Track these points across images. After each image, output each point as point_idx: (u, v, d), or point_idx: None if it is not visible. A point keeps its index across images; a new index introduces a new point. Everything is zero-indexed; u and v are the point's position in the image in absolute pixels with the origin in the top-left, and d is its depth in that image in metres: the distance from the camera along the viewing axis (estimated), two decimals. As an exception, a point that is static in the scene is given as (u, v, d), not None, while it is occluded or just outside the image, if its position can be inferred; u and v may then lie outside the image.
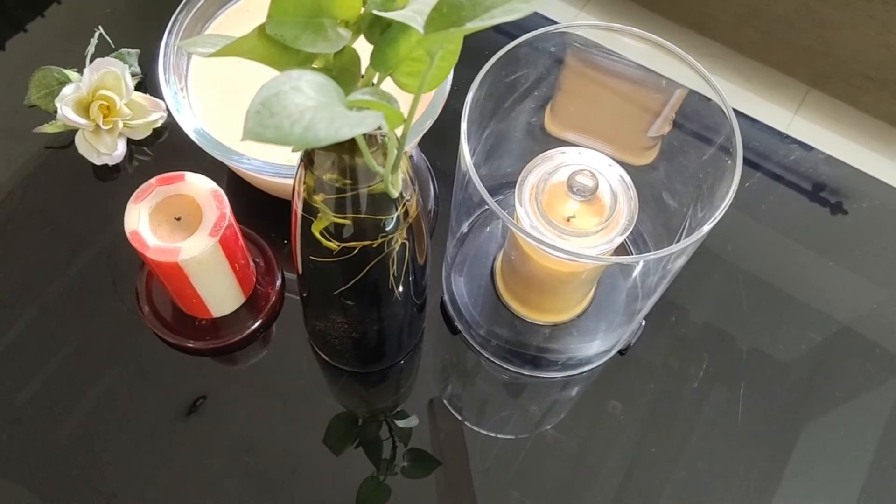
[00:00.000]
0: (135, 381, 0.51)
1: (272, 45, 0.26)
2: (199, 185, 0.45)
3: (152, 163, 0.58)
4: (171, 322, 0.52)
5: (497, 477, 0.49)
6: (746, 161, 0.60)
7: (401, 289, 0.43)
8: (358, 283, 0.41)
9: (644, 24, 1.16)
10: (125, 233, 0.44)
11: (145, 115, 0.57)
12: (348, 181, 0.35)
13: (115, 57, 0.59)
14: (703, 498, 0.49)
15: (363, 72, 0.30)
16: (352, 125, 0.20)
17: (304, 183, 0.36)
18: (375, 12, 0.27)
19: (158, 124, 0.58)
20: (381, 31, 0.28)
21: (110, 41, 0.61)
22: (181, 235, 0.45)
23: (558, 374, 0.51)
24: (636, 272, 0.50)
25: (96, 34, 0.60)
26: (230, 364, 0.52)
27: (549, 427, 0.51)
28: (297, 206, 0.39)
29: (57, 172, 0.58)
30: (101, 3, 0.65)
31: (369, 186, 0.35)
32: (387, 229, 0.37)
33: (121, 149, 0.56)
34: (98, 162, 0.56)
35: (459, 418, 0.51)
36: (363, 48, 0.29)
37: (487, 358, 0.52)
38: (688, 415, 0.51)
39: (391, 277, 0.41)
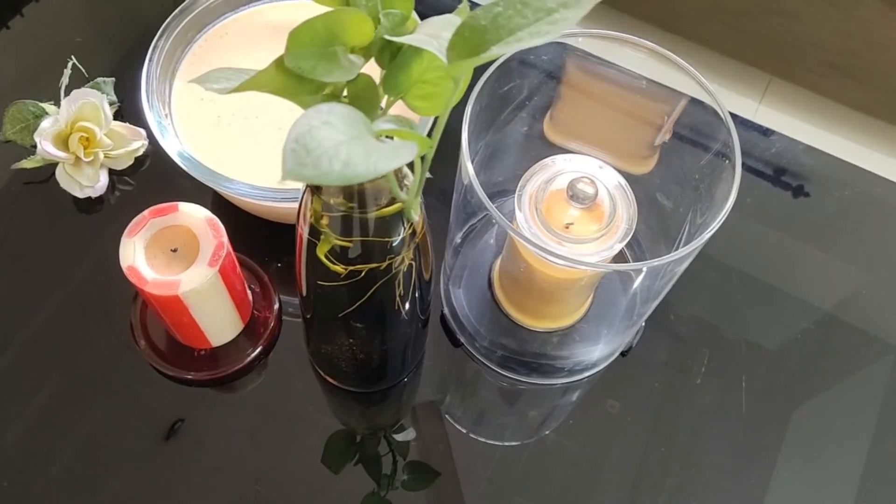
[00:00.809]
0: (133, 416, 0.50)
1: (287, 77, 0.25)
2: (193, 215, 0.45)
3: (136, 192, 0.57)
4: (169, 354, 0.51)
5: (503, 484, 0.49)
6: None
7: (407, 307, 0.42)
8: (364, 305, 0.40)
9: (610, 21, 1.17)
10: (120, 267, 0.43)
11: (126, 145, 0.56)
12: (357, 205, 0.35)
13: (91, 87, 0.57)
14: (716, 490, 0.49)
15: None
16: (389, 158, 0.20)
17: (312, 208, 0.36)
18: (387, 37, 0.27)
19: (140, 152, 0.57)
20: (390, 55, 0.28)
21: (84, 71, 0.60)
22: (179, 267, 0.44)
23: (564, 380, 0.52)
24: (639, 278, 0.50)
25: (69, 64, 0.59)
26: (230, 392, 0.51)
27: (555, 432, 0.51)
28: (303, 231, 0.38)
29: (38, 208, 0.56)
30: (70, 33, 0.64)
31: (378, 209, 0.35)
32: (395, 250, 0.37)
33: (103, 180, 0.55)
34: (81, 195, 0.55)
35: (463, 430, 0.50)
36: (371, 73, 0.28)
37: (492, 368, 0.52)
38: (693, 410, 0.52)
39: (397, 297, 0.41)
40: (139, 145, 0.56)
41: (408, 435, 0.51)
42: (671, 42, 1.14)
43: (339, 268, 0.38)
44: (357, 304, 0.40)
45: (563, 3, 0.22)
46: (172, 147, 0.48)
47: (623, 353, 0.53)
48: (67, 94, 0.58)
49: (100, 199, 0.56)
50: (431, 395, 0.52)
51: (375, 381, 0.50)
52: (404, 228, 0.36)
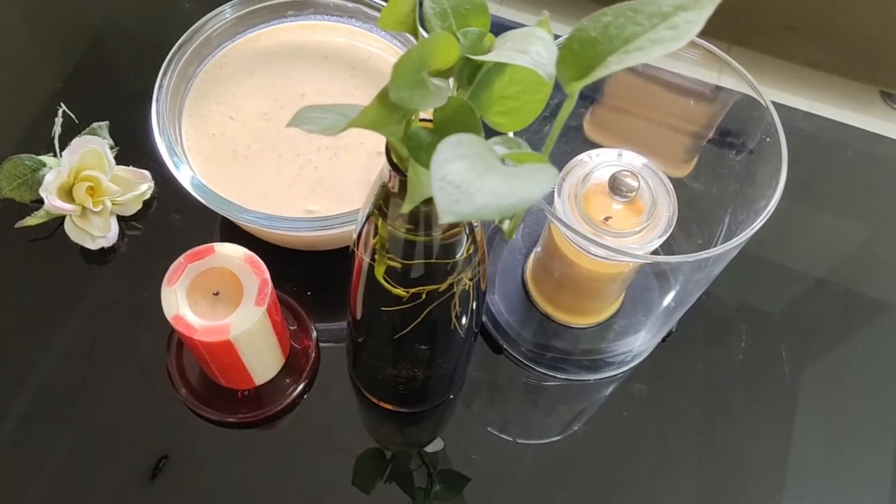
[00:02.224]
0: (185, 467, 0.48)
1: (381, 110, 0.25)
2: (230, 255, 0.43)
3: (147, 237, 0.55)
4: (212, 399, 0.49)
5: (568, 484, 0.49)
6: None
7: (464, 322, 0.42)
8: (422, 324, 0.40)
9: (569, 7, 1.17)
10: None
11: (133, 189, 0.54)
12: (423, 229, 0.34)
13: (88, 133, 0.55)
14: (777, 464, 0.50)
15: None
16: (534, 185, 0.20)
17: (378, 234, 0.35)
18: (470, 57, 0.26)
19: (147, 195, 0.55)
20: (469, 74, 0.27)
21: (74, 117, 0.58)
22: (223, 310, 0.43)
23: (613, 373, 0.52)
24: (676, 276, 0.50)
25: (60, 112, 0.56)
26: (278, 429, 0.50)
27: (610, 424, 0.51)
28: (363, 257, 0.37)
29: (49, 266, 0.54)
30: (53, 79, 0.61)
31: (445, 231, 0.34)
32: (458, 269, 0.37)
33: (114, 228, 0.53)
34: (94, 246, 0.52)
35: (520, 438, 0.50)
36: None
37: (540, 371, 0.51)
38: (740, 387, 0.52)
39: (454, 314, 0.40)
40: (146, 187, 0.54)
41: (436, 446, 0.51)
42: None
43: (400, 291, 0.38)
44: (416, 324, 0.40)
45: (680, 6, 0.21)
46: (186, 177, 0.46)
47: (663, 339, 0.53)
48: (62, 143, 0.56)
49: (112, 248, 0.54)
50: (483, 406, 0.52)
51: (428, 399, 0.50)
52: (468, 247, 0.36)
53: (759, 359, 0.53)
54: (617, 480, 0.49)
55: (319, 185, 0.49)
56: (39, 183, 0.54)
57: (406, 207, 0.27)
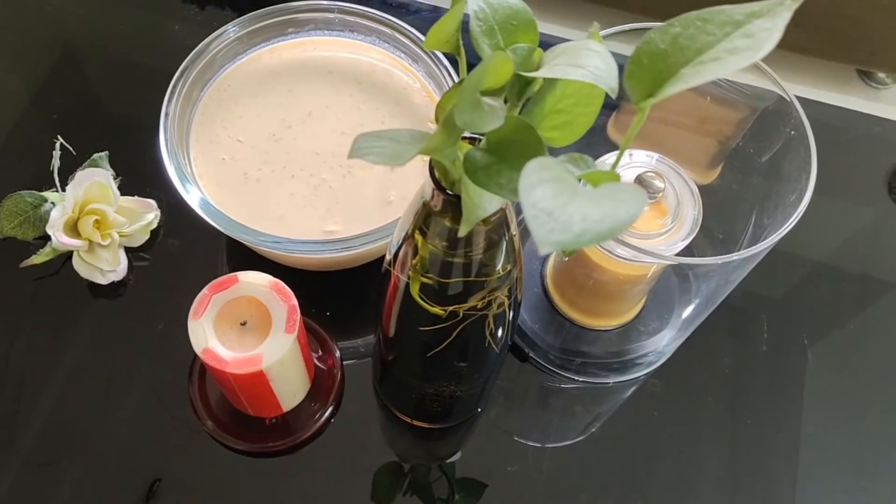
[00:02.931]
0: (210, 499, 0.47)
1: (444, 134, 0.24)
2: (255, 283, 0.42)
3: (156, 267, 0.54)
4: (240, 429, 0.48)
5: (610, 486, 0.49)
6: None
7: (500, 335, 0.41)
8: (460, 341, 0.39)
9: (569, 9, 1.17)
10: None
11: (139, 219, 0.53)
12: (463, 248, 0.33)
13: (89, 165, 0.54)
14: (807, 453, 0.50)
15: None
16: (628, 208, 0.19)
17: (417, 254, 0.34)
18: (522, 73, 0.26)
19: (154, 224, 0.53)
20: (518, 91, 0.27)
21: (71, 149, 0.56)
22: (252, 339, 0.42)
23: (642, 373, 0.51)
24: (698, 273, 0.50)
25: (57, 145, 0.55)
26: (309, 453, 0.49)
27: (638, 425, 0.51)
28: (399, 276, 0.37)
29: (58, 304, 0.52)
30: (47, 111, 0.60)
31: (487, 251, 0.33)
32: (497, 285, 0.36)
33: (123, 261, 0.52)
34: (105, 281, 0.51)
35: (538, 444, 0.50)
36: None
37: (567, 377, 0.51)
38: (767, 377, 0.52)
39: (490, 329, 0.40)
40: (152, 216, 0.53)
41: (454, 456, 0.50)
42: (613, 15, 1.15)
43: (437, 310, 0.37)
44: (452, 341, 0.39)
45: (752, 13, 0.21)
46: (197, 202, 0.45)
47: (686, 335, 0.53)
48: (61, 176, 0.54)
49: (121, 281, 0.52)
50: (511, 416, 0.51)
51: (460, 413, 0.49)
52: (507, 262, 0.35)
53: (782, 349, 0.53)
54: (650, 481, 0.49)
55: (336, 205, 0.48)
56: (42, 219, 0.53)
57: (463, 230, 0.27)
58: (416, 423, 0.49)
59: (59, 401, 0.50)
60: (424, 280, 0.36)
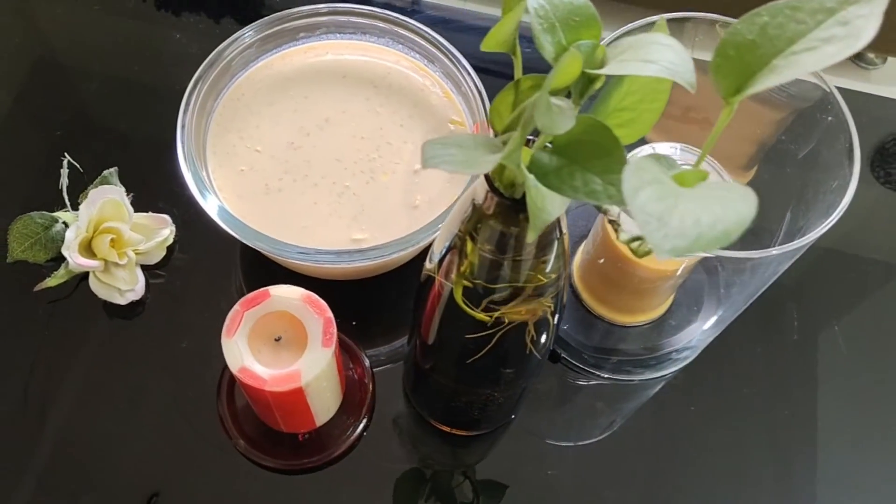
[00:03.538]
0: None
1: (520, 139, 0.23)
2: (287, 297, 0.41)
3: (174, 284, 0.52)
4: (273, 446, 0.47)
5: (656, 487, 0.48)
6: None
7: (544, 339, 0.40)
8: (504, 347, 0.38)
9: None
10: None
11: (154, 235, 0.51)
12: (512, 253, 0.32)
13: (100, 182, 0.52)
14: (847, 442, 0.50)
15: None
16: (740, 209, 0.18)
17: (467, 259, 0.33)
18: (589, 71, 0.25)
19: (171, 241, 0.52)
20: (582, 89, 0.26)
21: (79, 166, 0.54)
22: (288, 355, 0.41)
23: (677, 368, 0.51)
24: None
25: (65, 163, 0.53)
26: (344, 466, 0.48)
27: (675, 421, 0.50)
28: (443, 283, 0.36)
29: (76, 327, 0.51)
30: (49, 129, 0.58)
31: (538, 256, 0.32)
32: (545, 291, 0.35)
33: (141, 279, 0.50)
34: (123, 301, 0.50)
35: (572, 445, 0.49)
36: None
37: (603, 376, 0.50)
38: (801, 365, 0.52)
39: (534, 334, 0.39)
40: (168, 232, 0.52)
41: (518, 464, 0.49)
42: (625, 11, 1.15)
43: (482, 316, 0.36)
44: (496, 348, 0.38)
45: (846, 0, 0.20)
46: (216, 213, 0.44)
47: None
48: (71, 195, 0.53)
49: (140, 301, 0.51)
50: (546, 418, 0.50)
51: (499, 419, 0.48)
52: (556, 265, 0.34)
53: (814, 337, 0.53)
54: (692, 476, 0.49)
55: (361, 213, 0.47)
56: (53, 240, 0.51)
57: (531, 235, 0.26)
58: (454, 431, 0.48)
59: (83, 426, 0.48)
60: (471, 286, 0.35)
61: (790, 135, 0.44)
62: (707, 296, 0.52)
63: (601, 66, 0.25)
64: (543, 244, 0.32)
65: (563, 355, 0.51)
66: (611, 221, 0.28)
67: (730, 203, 0.19)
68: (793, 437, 0.50)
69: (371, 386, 0.49)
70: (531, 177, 0.25)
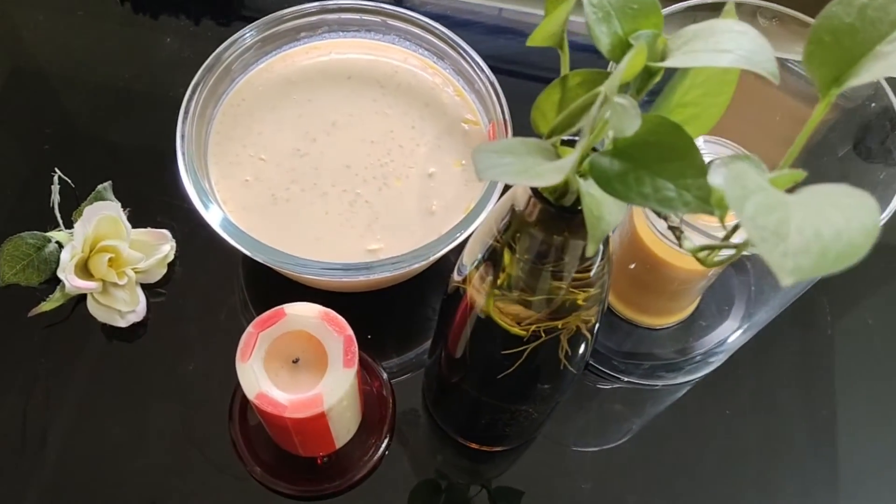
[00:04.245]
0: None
1: (589, 141, 0.20)
2: (304, 315, 0.38)
3: (176, 303, 0.50)
4: (290, 471, 0.44)
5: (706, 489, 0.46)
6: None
7: (581, 351, 0.38)
8: (539, 362, 0.36)
9: None
10: (250, 399, 0.37)
11: (154, 252, 0.48)
12: (552, 261, 0.30)
13: (94, 198, 0.49)
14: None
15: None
16: (864, 218, 0.16)
17: (504, 272, 0.31)
18: (653, 65, 0.22)
19: (171, 257, 0.49)
20: (641, 84, 0.23)
21: (70, 181, 0.51)
22: (308, 377, 0.38)
23: (709, 370, 0.48)
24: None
25: (55, 178, 0.50)
26: (366, 488, 0.45)
27: (713, 426, 0.48)
28: (475, 296, 0.33)
29: (74, 352, 0.48)
30: (36, 143, 0.55)
31: (582, 266, 0.30)
32: (590, 302, 0.33)
33: (142, 299, 0.48)
34: (125, 323, 0.47)
35: (617, 441, 0.47)
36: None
37: (635, 382, 0.48)
38: (836, 361, 0.50)
39: (571, 347, 0.37)
40: (168, 248, 0.49)
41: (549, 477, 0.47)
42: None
43: (518, 330, 0.34)
44: (530, 363, 0.36)
45: (959, -25, 0.18)
46: (216, 220, 0.41)
47: (748, 326, 0.50)
48: (63, 212, 0.50)
49: (141, 322, 0.48)
50: (575, 428, 0.48)
51: (529, 433, 0.46)
52: (601, 276, 0.32)
53: (847, 331, 0.51)
54: (734, 478, 0.46)
55: (375, 221, 0.44)
56: (46, 261, 0.48)
57: (591, 248, 0.23)
58: (482, 448, 0.46)
59: (86, 458, 0.45)
60: (507, 298, 0.32)
61: (832, 128, 0.41)
62: (737, 295, 0.50)
63: (662, 58, 0.23)
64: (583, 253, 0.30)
65: (591, 362, 0.48)
66: (671, 228, 0.25)
67: (848, 210, 0.16)
68: (832, 439, 0.48)
69: (391, 402, 0.46)
70: (586, 182, 0.23)
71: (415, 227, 0.44)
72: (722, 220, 0.21)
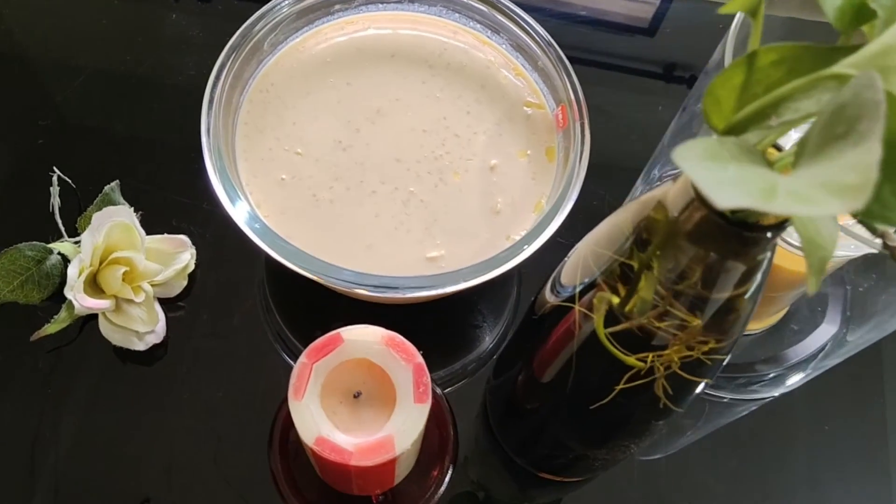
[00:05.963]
0: None
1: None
2: (364, 340, 0.32)
3: (196, 318, 0.43)
4: (342, 514, 0.39)
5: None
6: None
7: (703, 384, 0.32)
8: (649, 396, 0.30)
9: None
10: (307, 445, 0.31)
11: (172, 262, 0.42)
12: (701, 284, 0.24)
13: (101, 202, 0.43)
14: None
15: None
16: None
17: (636, 294, 0.25)
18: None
19: (192, 267, 0.43)
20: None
21: (70, 182, 0.45)
22: (372, 413, 0.32)
23: (803, 376, 0.43)
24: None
25: (54, 179, 0.44)
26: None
27: (806, 438, 0.43)
28: (580, 323, 0.27)
29: (85, 378, 0.42)
30: (29, 137, 0.48)
31: (741, 292, 0.24)
32: (731, 330, 0.27)
33: (162, 317, 0.41)
34: (143, 346, 0.41)
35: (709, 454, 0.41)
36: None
37: (731, 399, 0.42)
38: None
39: (690, 379, 0.31)
40: (188, 257, 0.42)
41: None
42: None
43: (635, 361, 0.28)
44: (642, 395, 0.30)
45: None
46: (240, 218, 0.35)
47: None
48: (64, 217, 0.43)
49: (162, 343, 0.42)
50: (657, 449, 0.43)
51: (615, 464, 0.40)
52: (750, 301, 0.26)
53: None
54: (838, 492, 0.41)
55: (434, 223, 0.38)
56: (48, 276, 0.42)
57: (813, 286, 0.17)
58: (563, 479, 0.40)
59: (105, 500, 0.39)
60: (629, 325, 0.27)
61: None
62: (831, 297, 0.44)
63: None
64: (749, 272, 0.24)
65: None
66: (888, 247, 0.20)
67: None
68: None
69: (452, 428, 0.41)
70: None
71: (478, 228, 0.38)
72: None
